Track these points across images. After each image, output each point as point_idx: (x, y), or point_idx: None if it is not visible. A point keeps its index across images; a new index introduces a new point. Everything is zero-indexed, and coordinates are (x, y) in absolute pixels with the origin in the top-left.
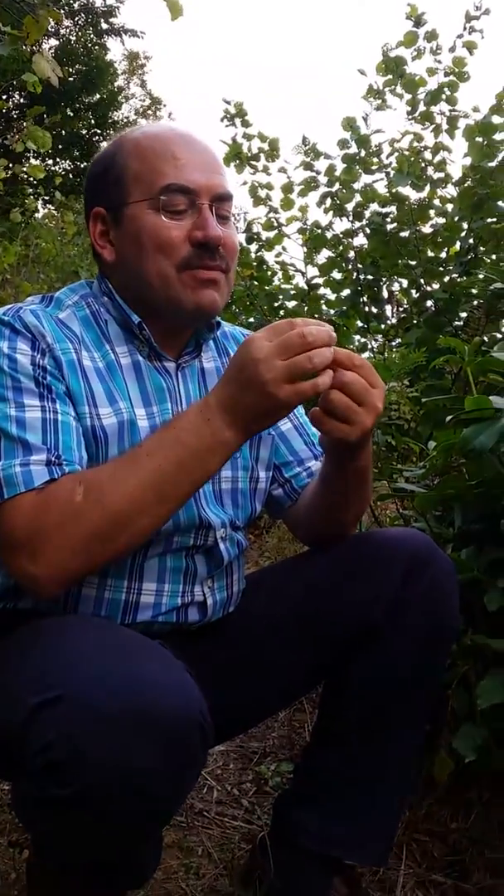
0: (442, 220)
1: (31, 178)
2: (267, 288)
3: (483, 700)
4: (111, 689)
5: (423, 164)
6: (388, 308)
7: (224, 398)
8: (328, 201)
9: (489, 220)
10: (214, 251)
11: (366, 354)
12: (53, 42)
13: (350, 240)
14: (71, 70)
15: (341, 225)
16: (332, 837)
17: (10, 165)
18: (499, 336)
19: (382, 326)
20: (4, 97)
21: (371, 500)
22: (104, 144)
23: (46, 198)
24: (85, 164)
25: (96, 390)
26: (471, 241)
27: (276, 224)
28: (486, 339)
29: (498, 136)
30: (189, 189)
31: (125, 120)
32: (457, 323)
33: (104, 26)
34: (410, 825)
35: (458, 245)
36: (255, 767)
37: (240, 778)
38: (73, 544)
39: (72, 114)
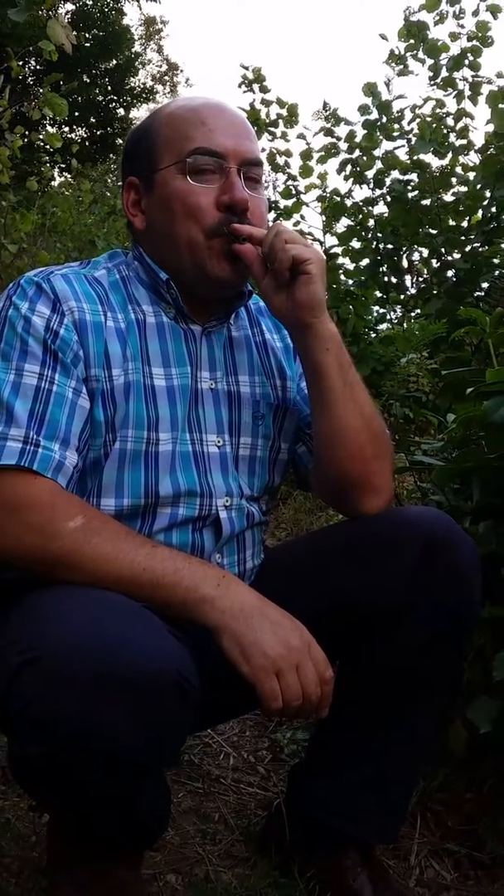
0: (464, 189)
1: (48, 146)
2: None
3: (499, 672)
4: (84, 650)
5: (445, 131)
6: (408, 278)
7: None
8: (348, 168)
9: None
10: (241, 215)
11: (384, 325)
12: (69, 6)
13: (370, 208)
14: (87, 35)
15: (361, 193)
16: (344, 812)
17: (27, 133)
18: None
19: (402, 297)
20: (20, 63)
21: (371, 416)
22: (121, 111)
23: (63, 165)
24: (101, 131)
25: (112, 351)
26: (493, 209)
27: (294, 192)
28: None
29: None
30: (217, 153)
31: (142, 86)
32: (478, 293)
33: None
34: (425, 795)
35: (480, 214)
36: (271, 735)
37: (256, 745)
38: (26, 546)
39: (88, 80)
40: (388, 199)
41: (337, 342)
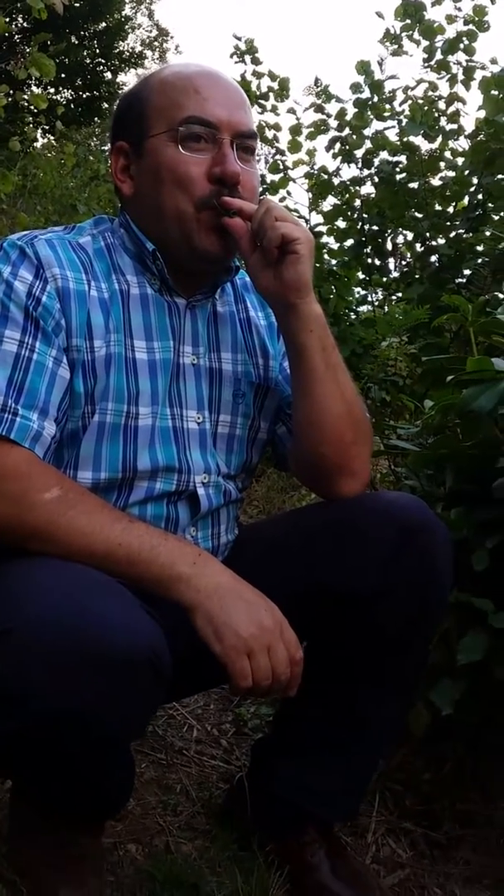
0: (452, 174)
1: (32, 107)
2: None
3: (463, 656)
4: (58, 625)
5: (436, 115)
6: (392, 261)
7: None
8: (337, 146)
9: (500, 176)
10: (233, 188)
11: (365, 307)
12: None
13: (357, 188)
14: None
15: (349, 172)
16: (305, 789)
17: (12, 92)
18: (500, 296)
19: (384, 280)
20: (7, 20)
21: (352, 400)
22: (108, 75)
23: (47, 127)
24: (87, 94)
25: (94, 322)
26: (480, 196)
27: (281, 167)
28: (488, 297)
29: None
30: (210, 123)
31: (130, 51)
32: (460, 280)
33: None
34: (384, 774)
35: (466, 200)
36: (235, 709)
37: (220, 718)
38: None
39: (76, 41)
40: (376, 179)
41: (321, 324)
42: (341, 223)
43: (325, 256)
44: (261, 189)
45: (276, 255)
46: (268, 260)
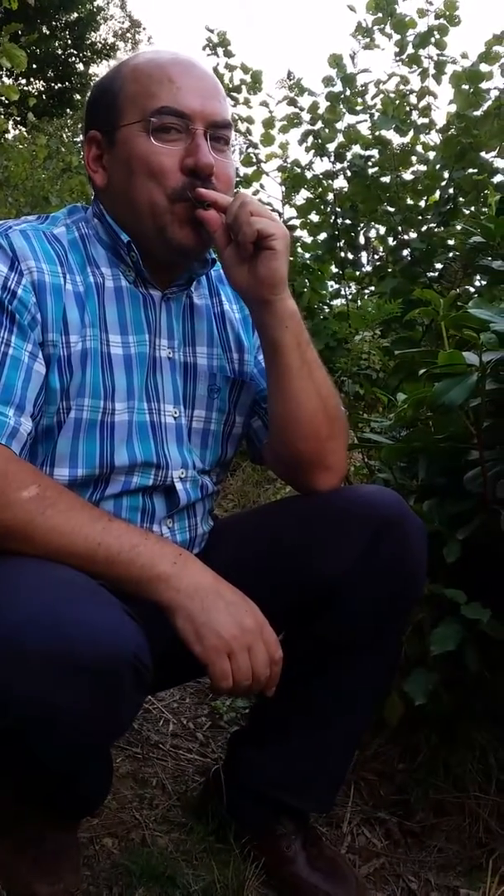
0: (423, 168)
1: (3, 98)
2: None
3: (436, 647)
4: (39, 628)
5: (407, 109)
6: (364, 255)
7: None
8: (310, 140)
9: (470, 170)
10: (206, 180)
11: (338, 301)
12: None
13: (330, 182)
14: None
15: (322, 165)
16: (281, 781)
17: None
18: (471, 290)
19: (357, 273)
20: None
21: (328, 396)
22: (80, 66)
23: (18, 119)
24: (59, 85)
25: (70, 317)
26: (451, 191)
27: (254, 160)
28: (459, 291)
29: (485, 85)
30: (183, 113)
31: (102, 42)
32: (431, 274)
33: None
34: (359, 764)
35: (437, 194)
36: (211, 702)
37: (195, 712)
38: None
39: (48, 32)
40: (349, 173)
41: (296, 320)
42: (314, 217)
43: (299, 250)
44: (235, 181)
45: (251, 250)
46: (242, 255)
